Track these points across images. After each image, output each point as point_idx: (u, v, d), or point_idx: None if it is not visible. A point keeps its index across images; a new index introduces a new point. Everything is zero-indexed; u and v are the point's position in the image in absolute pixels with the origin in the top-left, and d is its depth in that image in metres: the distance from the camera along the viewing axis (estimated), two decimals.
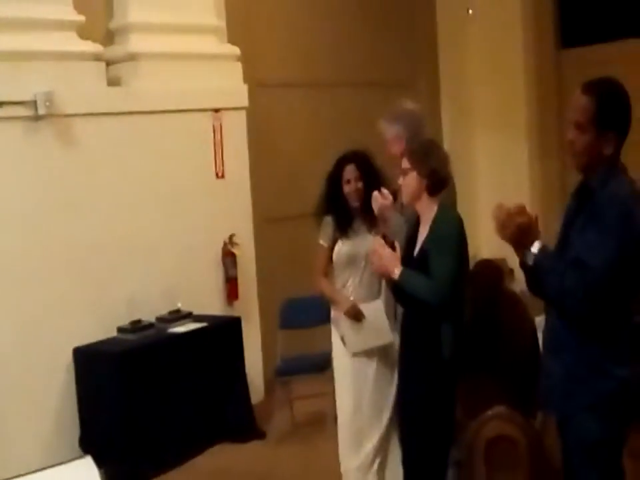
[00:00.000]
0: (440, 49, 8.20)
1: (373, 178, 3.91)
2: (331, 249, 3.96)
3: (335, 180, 3.96)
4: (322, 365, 4.78)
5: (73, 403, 4.84)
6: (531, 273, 2.60)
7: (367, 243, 3.82)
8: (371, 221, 3.89)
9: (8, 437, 4.57)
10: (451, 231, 3.26)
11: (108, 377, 4.76)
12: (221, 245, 5.63)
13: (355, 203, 3.93)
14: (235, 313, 5.59)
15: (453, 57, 8.13)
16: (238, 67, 5.87)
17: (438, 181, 3.29)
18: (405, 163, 3.32)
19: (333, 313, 3.99)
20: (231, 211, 5.71)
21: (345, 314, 3.84)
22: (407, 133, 3.78)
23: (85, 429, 4.84)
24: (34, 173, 4.75)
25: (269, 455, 4.98)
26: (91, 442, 4.73)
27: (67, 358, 4.82)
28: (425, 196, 3.29)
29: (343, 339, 3.89)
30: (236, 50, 5.87)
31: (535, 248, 2.54)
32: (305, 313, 5.18)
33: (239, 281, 5.70)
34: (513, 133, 7.87)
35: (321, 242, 3.99)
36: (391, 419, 3.84)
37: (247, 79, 5.90)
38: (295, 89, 6.62)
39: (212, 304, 5.54)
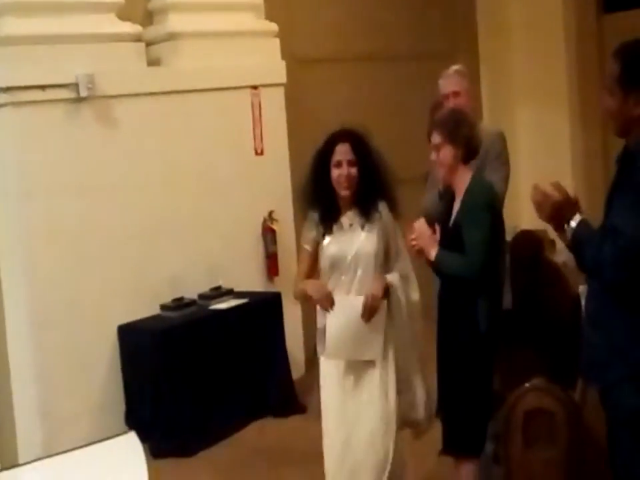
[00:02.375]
0: (479, 20, 8.07)
1: (369, 164, 3.20)
2: (316, 251, 3.26)
3: (322, 160, 3.23)
4: None
5: (119, 379, 4.94)
6: (572, 248, 2.57)
7: (356, 241, 3.18)
8: (365, 214, 3.20)
9: (56, 412, 4.68)
10: (481, 201, 3.23)
11: (151, 354, 4.84)
12: (261, 221, 5.67)
13: (343, 191, 3.18)
14: (276, 289, 5.63)
15: (492, 27, 7.99)
16: (276, 43, 5.87)
17: (473, 148, 3.28)
18: (436, 138, 3.28)
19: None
20: (270, 187, 5.73)
21: (314, 298, 3.18)
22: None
23: (130, 405, 4.94)
24: (77, 155, 4.82)
25: (309, 430, 4.98)
26: (136, 418, 4.82)
27: (112, 336, 4.91)
28: (461, 167, 3.27)
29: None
30: (273, 26, 5.86)
31: (574, 222, 2.52)
32: None
33: (279, 256, 5.73)
34: (553, 103, 7.72)
35: (303, 244, 3.32)
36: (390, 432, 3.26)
37: (284, 55, 5.90)
38: (332, 64, 6.58)
39: (252, 280, 5.60)
